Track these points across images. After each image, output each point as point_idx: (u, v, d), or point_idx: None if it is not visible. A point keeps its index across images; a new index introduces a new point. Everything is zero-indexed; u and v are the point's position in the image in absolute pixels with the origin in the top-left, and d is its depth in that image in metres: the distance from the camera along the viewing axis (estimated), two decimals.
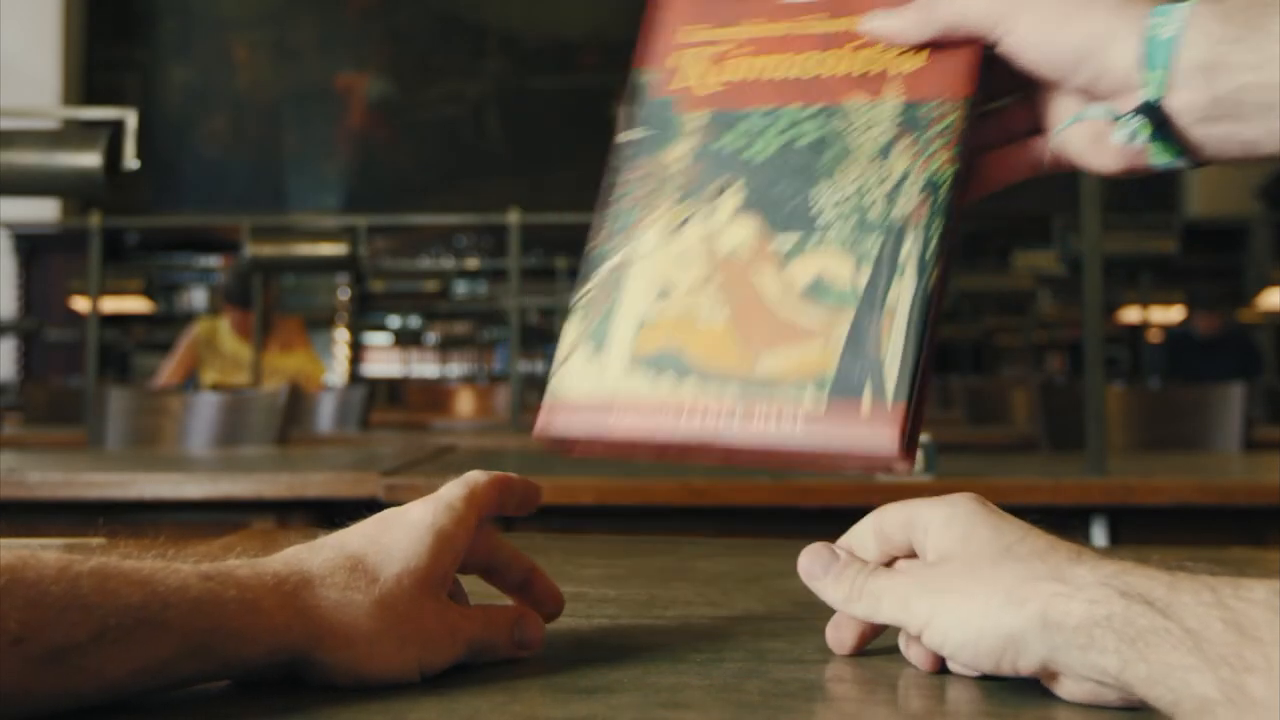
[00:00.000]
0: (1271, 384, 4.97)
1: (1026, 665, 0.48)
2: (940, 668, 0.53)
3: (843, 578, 0.55)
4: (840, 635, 0.57)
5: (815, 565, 0.56)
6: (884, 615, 0.53)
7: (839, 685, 0.52)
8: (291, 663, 0.50)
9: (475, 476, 0.58)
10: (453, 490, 0.56)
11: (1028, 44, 0.54)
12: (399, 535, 0.54)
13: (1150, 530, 1.74)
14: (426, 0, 8.46)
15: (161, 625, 0.45)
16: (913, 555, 0.56)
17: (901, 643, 0.55)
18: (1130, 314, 5.76)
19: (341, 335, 8.12)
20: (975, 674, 0.51)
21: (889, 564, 0.57)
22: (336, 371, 7.67)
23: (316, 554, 0.52)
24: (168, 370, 4.52)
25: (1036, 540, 0.51)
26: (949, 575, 0.51)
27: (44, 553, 0.45)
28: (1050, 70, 0.54)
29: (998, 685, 0.51)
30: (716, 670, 0.55)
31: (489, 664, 0.55)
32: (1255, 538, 1.69)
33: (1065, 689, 0.48)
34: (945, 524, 0.54)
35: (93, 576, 0.45)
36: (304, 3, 8.49)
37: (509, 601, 0.60)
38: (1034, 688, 0.50)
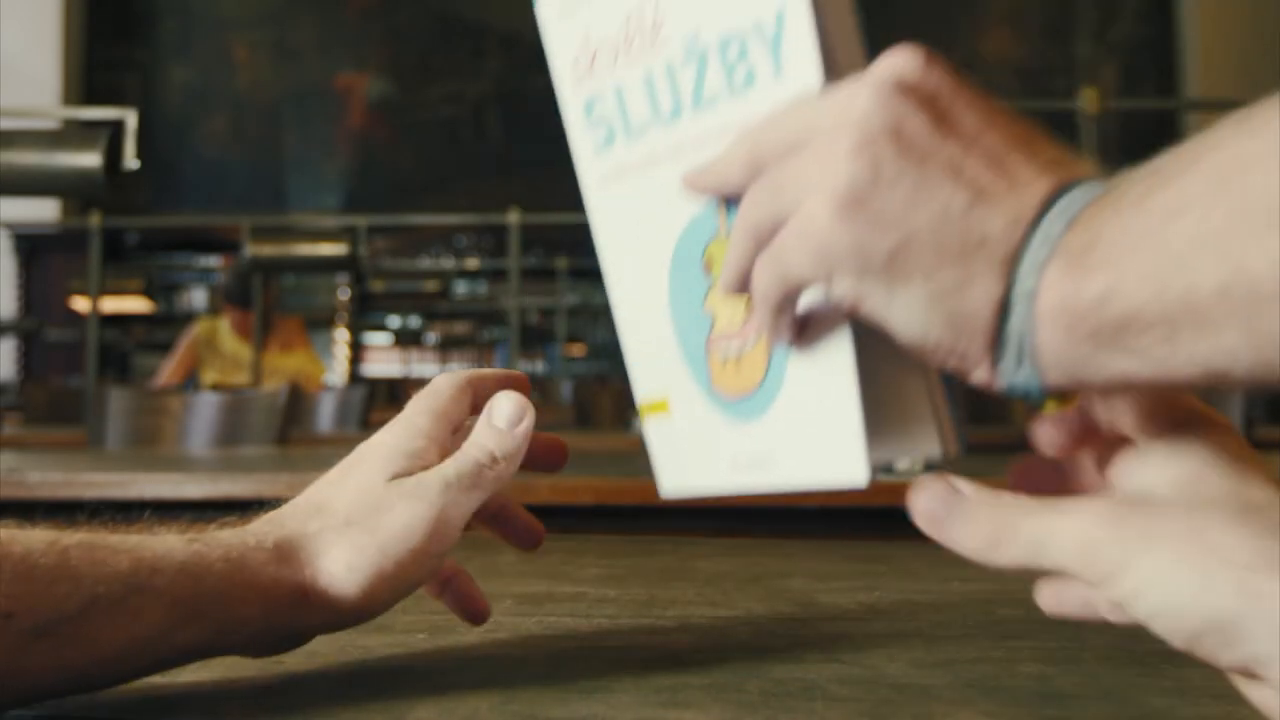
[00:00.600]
0: None
1: (1229, 659, 0.38)
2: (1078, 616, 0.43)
3: (978, 517, 0.42)
4: (1054, 594, 0.43)
5: (936, 505, 0.42)
6: (1052, 559, 0.40)
7: (839, 685, 0.52)
8: (291, 621, 0.50)
9: (438, 384, 0.56)
10: (414, 405, 0.55)
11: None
12: (346, 466, 0.54)
13: None
14: (426, 0, 8.46)
15: (150, 591, 0.46)
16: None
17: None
18: None
19: (341, 335, 8.12)
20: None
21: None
22: (336, 371, 7.68)
23: (286, 508, 0.54)
24: (168, 370, 4.52)
25: None
26: (1160, 520, 0.39)
27: (31, 529, 0.45)
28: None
29: (993, 687, 0.51)
30: (716, 670, 0.55)
31: (488, 664, 0.55)
32: None
33: (1260, 694, 0.39)
34: (1173, 446, 0.42)
35: (80, 548, 0.45)
36: (304, 3, 8.49)
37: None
38: (1037, 690, 0.50)
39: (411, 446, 0.53)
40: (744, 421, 0.51)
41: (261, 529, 0.52)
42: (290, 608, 0.50)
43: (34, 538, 0.44)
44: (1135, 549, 0.39)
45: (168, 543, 0.48)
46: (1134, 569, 0.39)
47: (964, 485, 0.43)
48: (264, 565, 0.49)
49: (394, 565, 0.50)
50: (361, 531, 0.51)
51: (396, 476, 0.52)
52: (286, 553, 0.50)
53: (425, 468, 0.53)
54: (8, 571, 0.43)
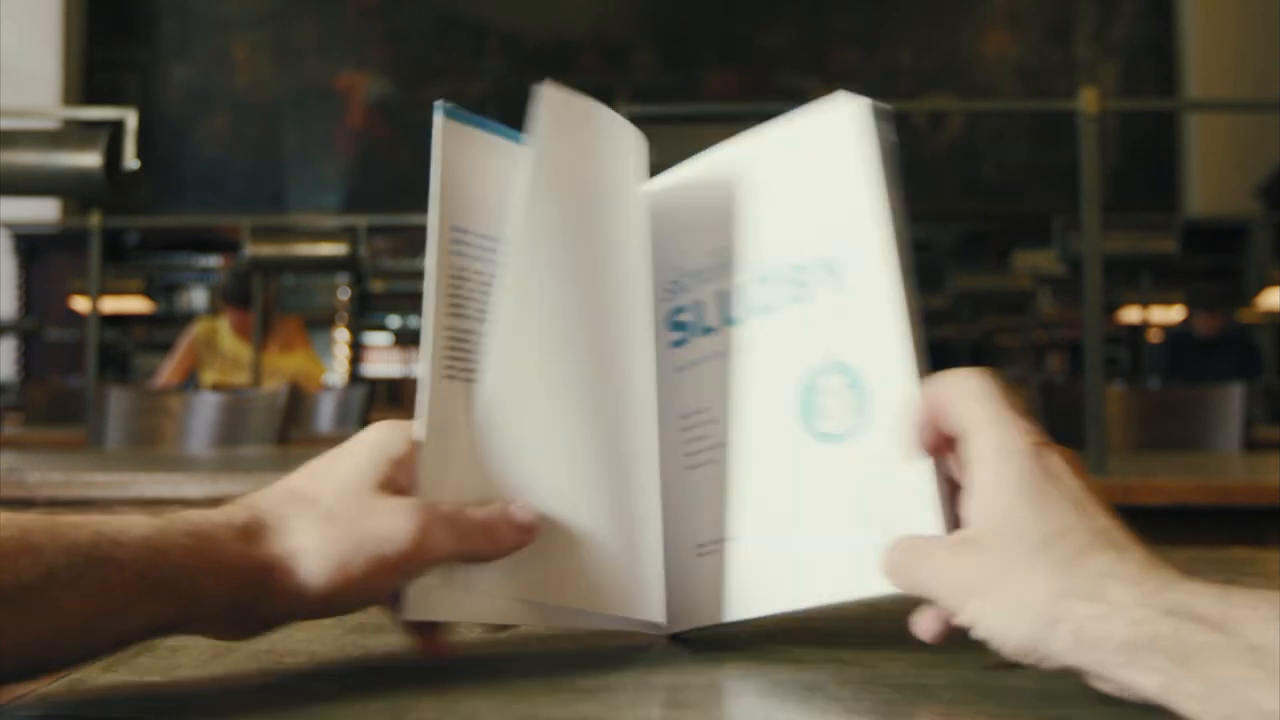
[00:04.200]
0: (1271, 384, 4.96)
1: (1051, 667, 0.47)
2: (945, 640, 0.52)
3: (913, 557, 0.53)
4: (924, 623, 0.53)
5: (902, 556, 0.54)
6: (931, 593, 0.52)
7: (839, 685, 0.52)
8: (255, 601, 0.50)
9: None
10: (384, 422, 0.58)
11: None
12: (333, 459, 0.55)
13: (1150, 530, 1.73)
14: (426, 0, 8.46)
15: (112, 563, 0.46)
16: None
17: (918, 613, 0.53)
18: (1130, 314, 5.75)
19: (341, 335, 8.12)
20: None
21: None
22: (336, 371, 7.67)
23: (259, 493, 0.54)
24: (167, 370, 4.52)
25: (1078, 535, 0.48)
26: (982, 568, 0.49)
27: None
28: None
29: (993, 687, 0.51)
30: (716, 671, 0.55)
31: (489, 664, 0.55)
32: (1255, 538, 1.69)
33: (1091, 681, 0.47)
34: (995, 484, 0.50)
35: (40, 524, 0.46)
36: (304, 3, 8.49)
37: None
38: (1037, 694, 0.50)
39: (398, 452, 0.54)
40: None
41: (230, 509, 0.52)
42: (254, 586, 0.49)
43: None
44: (967, 593, 0.50)
45: (131, 519, 0.48)
46: (969, 607, 0.49)
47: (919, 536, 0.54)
48: (230, 541, 0.49)
49: (363, 568, 0.50)
50: (340, 526, 0.51)
51: (383, 483, 0.53)
52: (255, 531, 0.50)
53: (394, 461, 0.54)
54: None
